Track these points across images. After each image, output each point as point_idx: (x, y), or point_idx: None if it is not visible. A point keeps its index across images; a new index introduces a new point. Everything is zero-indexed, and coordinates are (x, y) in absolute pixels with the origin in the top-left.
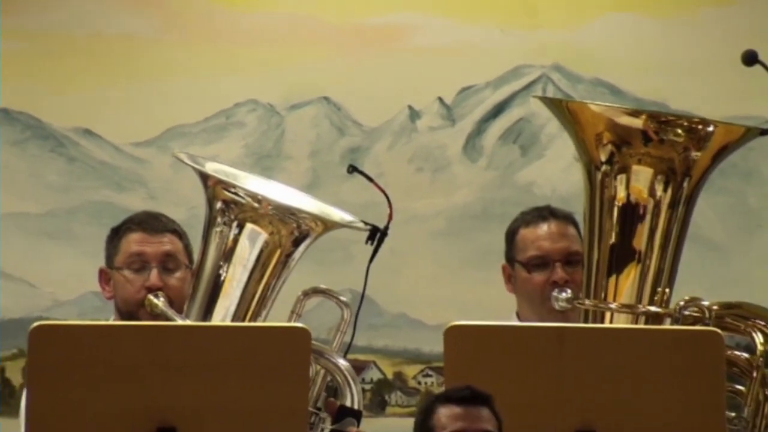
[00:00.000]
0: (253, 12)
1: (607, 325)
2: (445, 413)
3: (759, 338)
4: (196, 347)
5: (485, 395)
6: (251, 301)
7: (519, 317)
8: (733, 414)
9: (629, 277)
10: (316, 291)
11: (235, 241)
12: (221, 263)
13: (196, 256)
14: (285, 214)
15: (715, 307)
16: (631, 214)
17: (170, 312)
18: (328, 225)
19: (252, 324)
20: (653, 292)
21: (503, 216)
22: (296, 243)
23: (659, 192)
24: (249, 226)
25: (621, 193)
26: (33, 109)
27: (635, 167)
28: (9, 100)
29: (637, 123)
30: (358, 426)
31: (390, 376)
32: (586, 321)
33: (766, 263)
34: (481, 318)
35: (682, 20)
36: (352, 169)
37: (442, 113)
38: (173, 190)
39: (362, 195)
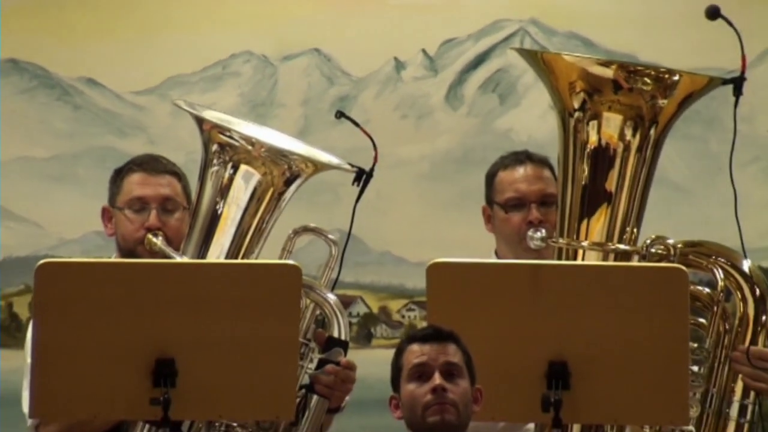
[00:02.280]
0: None
1: (579, 262)
2: (411, 350)
3: (720, 274)
4: (194, 283)
5: (448, 332)
6: (245, 238)
7: (497, 255)
8: (695, 345)
9: (600, 217)
10: (306, 229)
11: (230, 180)
12: (217, 201)
13: (193, 197)
14: (277, 155)
15: (679, 246)
16: (602, 158)
17: (168, 250)
18: (317, 166)
19: (246, 261)
20: (622, 231)
21: (483, 160)
22: (287, 183)
23: (628, 137)
24: (243, 167)
25: (593, 138)
26: (40, 59)
27: (606, 114)
28: (18, 51)
29: (608, 73)
30: (345, 355)
31: (375, 310)
32: (559, 258)
33: (727, 204)
34: (461, 256)
35: None
36: (340, 114)
37: (426, 64)
38: (172, 136)
39: (350, 140)
